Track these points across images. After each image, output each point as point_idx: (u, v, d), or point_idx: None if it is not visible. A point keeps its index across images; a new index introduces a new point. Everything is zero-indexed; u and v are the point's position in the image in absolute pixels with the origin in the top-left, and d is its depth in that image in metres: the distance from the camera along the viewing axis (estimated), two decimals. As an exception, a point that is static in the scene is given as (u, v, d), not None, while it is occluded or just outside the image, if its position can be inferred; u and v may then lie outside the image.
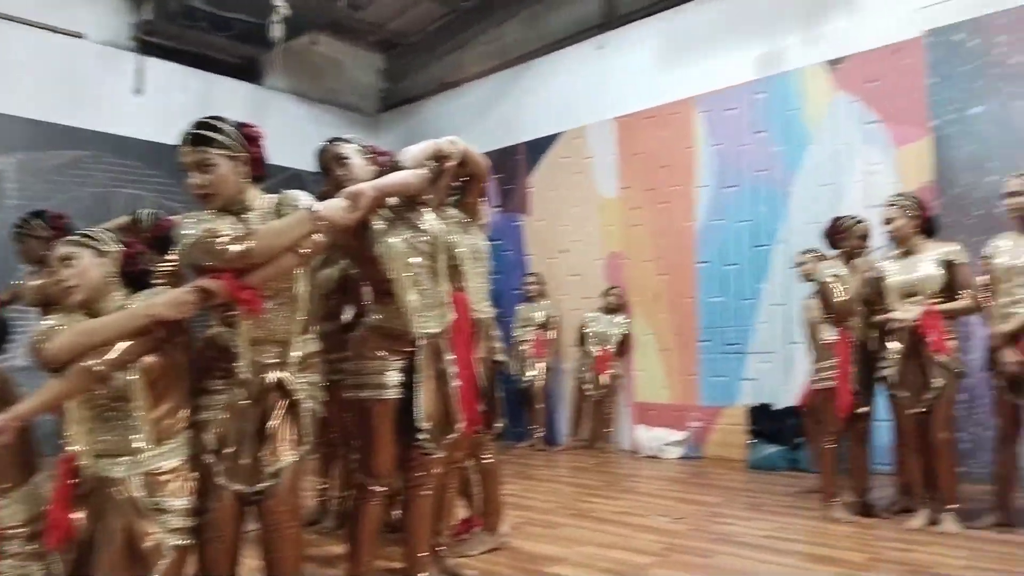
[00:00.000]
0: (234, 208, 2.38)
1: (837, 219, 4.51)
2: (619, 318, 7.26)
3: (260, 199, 2.43)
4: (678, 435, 6.66)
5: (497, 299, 3.80)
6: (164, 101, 8.14)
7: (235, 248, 2.12)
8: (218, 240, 2.15)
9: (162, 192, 8.20)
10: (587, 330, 7.32)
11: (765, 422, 6.03)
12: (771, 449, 5.92)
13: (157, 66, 8.16)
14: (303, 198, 2.41)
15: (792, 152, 6.44)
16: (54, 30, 7.58)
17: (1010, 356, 3.75)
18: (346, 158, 3.08)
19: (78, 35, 7.75)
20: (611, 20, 7.91)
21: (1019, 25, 5.31)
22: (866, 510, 4.22)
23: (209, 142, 2.31)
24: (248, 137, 2.40)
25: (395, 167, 2.74)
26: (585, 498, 4.83)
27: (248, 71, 9.17)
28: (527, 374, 7.40)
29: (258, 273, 2.20)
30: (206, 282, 2.14)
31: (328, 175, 3.16)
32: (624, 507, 4.55)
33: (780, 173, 6.48)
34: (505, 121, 8.60)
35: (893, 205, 4.14)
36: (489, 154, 9.13)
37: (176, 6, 7.91)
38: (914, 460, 4.02)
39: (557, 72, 8.19)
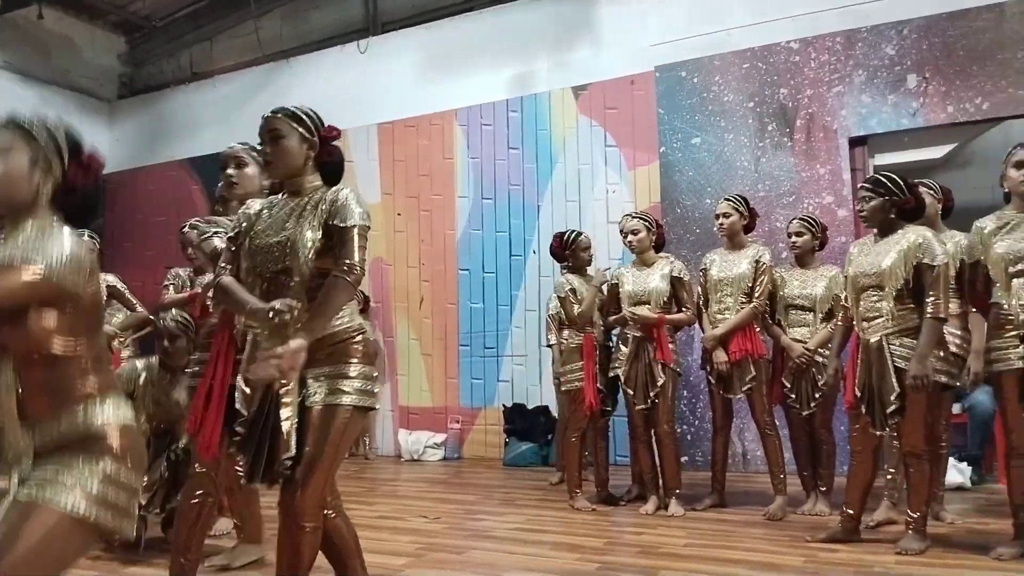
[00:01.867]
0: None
1: (560, 235, 4.92)
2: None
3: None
4: (438, 437, 6.85)
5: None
6: None
7: None
8: None
9: None
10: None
11: (519, 421, 6.41)
12: (524, 446, 6.30)
13: None
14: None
15: (542, 169, 6.90)
16: None
17: (720, 356, 4.35)
18: (245, 164, 2.88)
19: None
20: (374, 25, 7.96)
21: (731, 68, 6.16)
22: (607, 499, 4.67)
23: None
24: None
25: None
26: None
27: (-45, 41, 7.99)
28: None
29: None
30: None
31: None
32: (382, 511, 4.61)
33: (532, 188, 6.92)
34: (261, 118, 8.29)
35: (638, 219, 4.61)
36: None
37: None
38: (644, 451, 4.52)
39: (318, 72, 8.06)
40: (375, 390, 2.34)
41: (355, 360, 2.28)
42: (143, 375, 3.78)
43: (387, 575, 3.28)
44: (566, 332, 4.77)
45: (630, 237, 4.59)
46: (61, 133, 1.70)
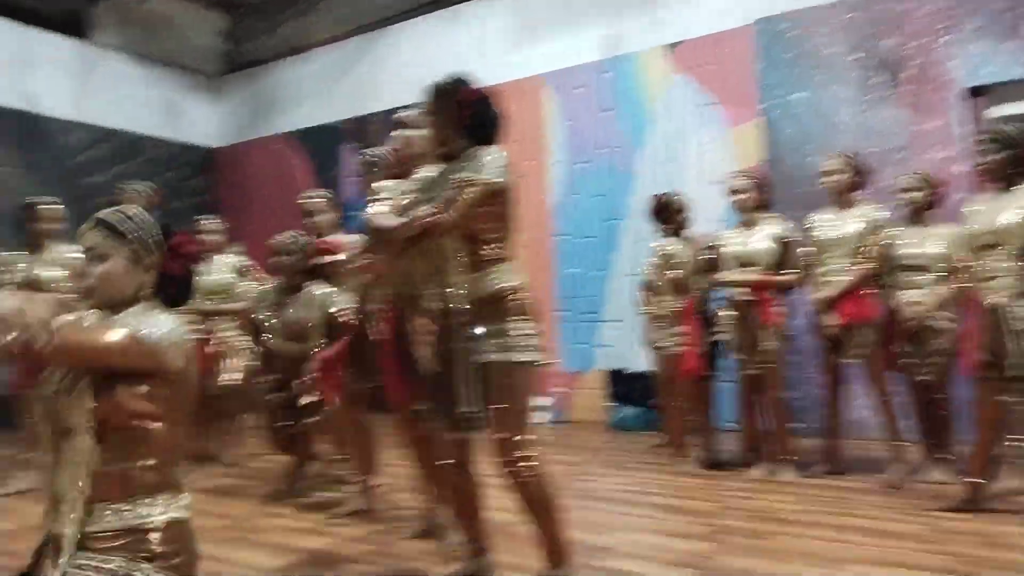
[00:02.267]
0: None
1: (656, 197, 4.86)
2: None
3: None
4: (544, 400, 6.96)
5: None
6: (-25, 56, 7.36)
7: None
8: None
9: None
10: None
11: (621, 385, 6.44)
12: (628, 410, 6.34)
13: (-36, 17, 7.35)
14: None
15: (636, 131, 6.82)
16: None
17: (830, 320, 4.25)
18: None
19: None
20: (465, -9, 7.95)
21: (833, 20, 5.90)
22: (714, 464, 4.65)
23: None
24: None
25: None
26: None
27: (73, 26, 8.42)
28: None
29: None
30: None
31: None
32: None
33: (626, 151, 6.85)
34: (359, 89, 8.46)
35: (745, 177, 4.51)
36: (345, 122, 8.99)
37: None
38: (753, 416, 4.48)
39: (412, 41, 8.15)
40: (536, 344, 2.43)
41: (513, 316, 2.39)
42: (263, 301, 4.15)
43: (496, 529, 3.41)
44: (666, 297, 4.75)
45: (736, 196, 4.50)
46: (152, 227, 1.77)
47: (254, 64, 9.50)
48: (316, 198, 4.22)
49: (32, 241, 4.60)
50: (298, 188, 5.45)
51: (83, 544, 1.62)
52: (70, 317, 1.67)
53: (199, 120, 9.46)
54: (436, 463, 2.77)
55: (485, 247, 2.44)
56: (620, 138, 6.88)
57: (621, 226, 6.81)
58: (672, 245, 4.69)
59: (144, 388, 1.64)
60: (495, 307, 2.40)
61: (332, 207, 4.20)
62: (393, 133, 3.13)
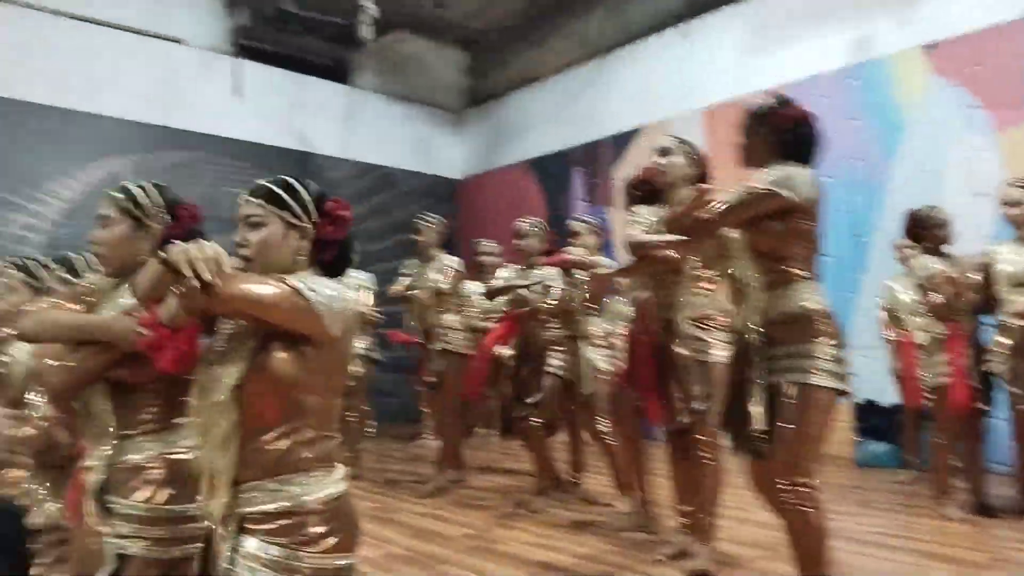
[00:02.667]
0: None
1: (913, 212, 4.40)
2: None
3: None
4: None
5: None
6: (261, 103, 8.48)
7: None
8: None
9: (262, 192, 8.54)
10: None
11: (871, 419, 5.93)
12: (879, 446, 5.83)
13: (253, 69, 8.51)
14: None
15: (887, 140, 6.30)
16: (156, 36, 7.97)
17: None
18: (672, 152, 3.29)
19: (178, 40, 8.13)
20: (694, 8, 7.85)
21: None
22: (983, 509, 4.13)
23: None
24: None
25: None
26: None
27: (339, 72, 9.46)
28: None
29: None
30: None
31: None
32: (729, 502, 4.56)
33: (876, 162, 6.35)
34: (589, 114, 8.63)
35: (1019, 188, 4.01)
36: (574, 148, 9.22)
37: (270, 10, 8.22)
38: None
39: (640, 63, 8.18)
40: (840, 371, 2.32)
41: (820, 339, 2.31)
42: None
43: (743, 564, 3.27)
44: (925, 321, 4.32)
45: (1009, 209, 4.01)
46: (306, 193, 1.71)
47: (491, 97, 10.04)
48: (577, 221, 4.66)
49: (421, 252, 5.33)
50: (531, 214, 5.65)
51: (242, 526, 1.56)
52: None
53: (445, 153, 10.16)
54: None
55: (788, 266, 2.40)
56: (868, 149, 6.39)
57: (870, 244, 6.31)
58: (932, 264, 4.26)
59: (295, 354, 1.55)
60: (798, 327, 2.34)
61: (593, 231, 4.47)
62: (655, 159, 3.25)
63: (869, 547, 3.56)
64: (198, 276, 1.44)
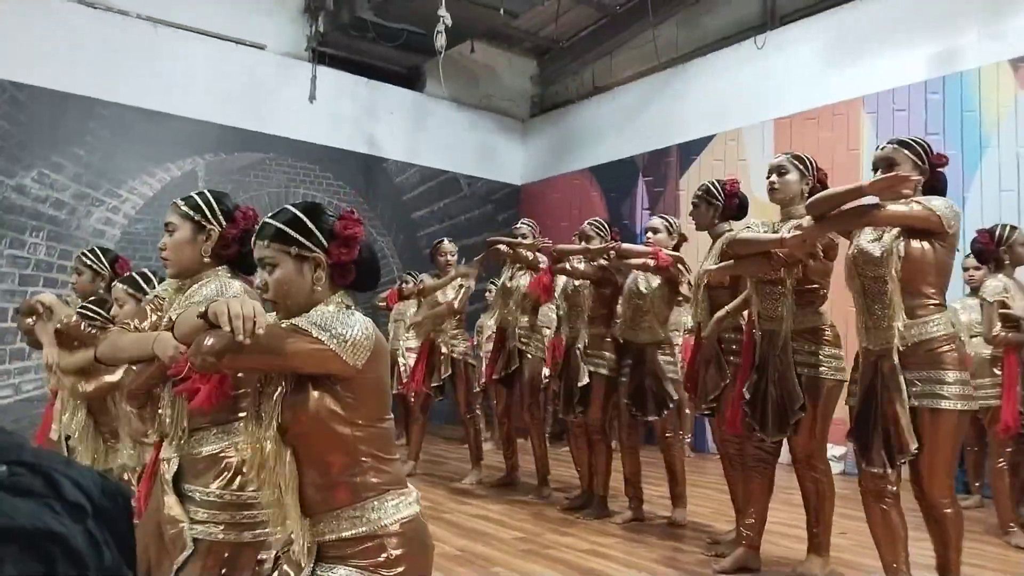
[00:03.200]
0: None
1: (989, 230, 4.21)
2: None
3: None
4: (838, 450, 6.42)
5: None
6: (334, 108, 8.68)
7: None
8: None
9: (332, 193, 8.76)
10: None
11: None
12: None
13: (329, 75, 8.71)
14: None
15: (969, 156, 6.07)
16: (239, 42, 8.25)
17: None
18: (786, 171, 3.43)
19: (260, 47, 8.40)
20: (772, 20, 7.74)
21: None
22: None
23: None
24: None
25: None
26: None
27: (411, 79, 9.63)
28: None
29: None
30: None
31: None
32: (782, 518, 4.46)
33: (955, 177, 6.08)
34: (656, 124, 8.58)
35: None
36: (639, 156, 9.16)
37: (348, 18, 8.40)
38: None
39: (712, 74, 8.09)
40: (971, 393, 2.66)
41: (950, 366, 2.62)
42: None
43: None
44: (978, 340, 4.19)
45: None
46: (311, 221, 1.67)
47: (559, 105, 10.07)
48: (594, 224, 4.73)
49: (439, 268, 5.74)
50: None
51: (320, 553, 1.60)
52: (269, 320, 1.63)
53: (509, 159, 10.23)
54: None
55: (923, 294, 2.65)
56: (948, 164, 6.15)
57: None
58: (1009, 284, 4.08)
59: (326, 391, 1.58)
60: (930, 354, 2.61)
61: (669, 230, 4.54)
62: (771, 178, 3.35)
63: (927, 571, 3.42)
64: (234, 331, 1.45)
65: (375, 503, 1.60)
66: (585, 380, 4.37)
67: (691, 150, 8.14)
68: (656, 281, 4.33)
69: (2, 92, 6.94)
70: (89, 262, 3.36)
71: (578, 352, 4.47)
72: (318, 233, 1.65)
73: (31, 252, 7.03)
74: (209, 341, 1.50)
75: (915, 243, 2.63)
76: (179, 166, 7.91)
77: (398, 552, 1.59)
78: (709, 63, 8.15)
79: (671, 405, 4.23)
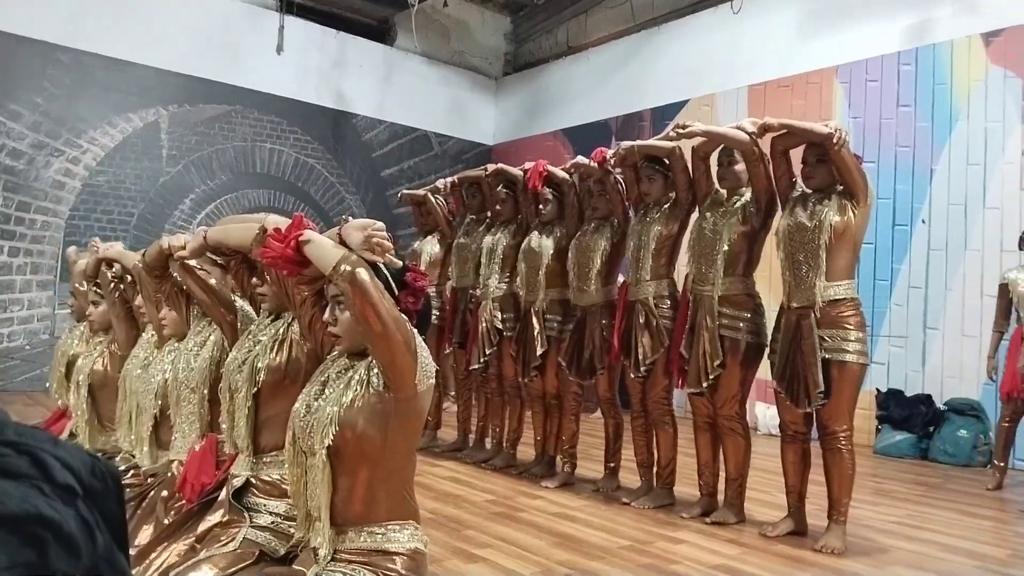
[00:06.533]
0: None
1: None
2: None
3: None
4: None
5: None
6: (302, 60, 8.46)
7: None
8: None
9: (299, 148, 8.58)
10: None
11: (894, 408, 5.86)
12: (899, 436, 5.77)
13: (297, 25, 8.47)
14: None
15: (939, 128, 6.14)
16: (204, -11, 7.95)
17: None
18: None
19: (226, -6, 8.11)
20: (748, -16, 7.67)
21: None
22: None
23: None
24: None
25: None
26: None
27: (381, 32, 9.41)
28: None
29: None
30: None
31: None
32: (752, 484, 4.56)
33: (925, 150, 6.20)
34: (630, 86, 8.52)
35: None
36: (613, 119, 9.09)
37: (318, -33, 8.15)
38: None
39: (688, 37, 8.04)
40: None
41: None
42: None
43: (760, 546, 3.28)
44: None
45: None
46: (385, 269, 1.82)
47: (532, 65, 9.94)
48: None
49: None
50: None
51: (334, 555, 1.77)
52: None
53: (481, 118, 10.10)
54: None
55: None
56: (918, 136, 6.24)
57: (911, 232, 6.19)
58: None
59: (380, 418, 1.74)
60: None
61: None
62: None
63: (883, 535, 3.54)
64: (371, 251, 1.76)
65: (396, 527, 1.79)
66: None
67: (665, 114, 8.10)
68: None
69: (-46, 35, 6.64)
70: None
71: None
72: (391, 281, 1.81)
73: (-14, 203, 6.81)
74: (361, 270, 1.72)
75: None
76: (141, 116, 7.68)
77: (403, 572, 1.76)
78: (685, 26, 8.09)
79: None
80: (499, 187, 4.77)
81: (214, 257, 2.53)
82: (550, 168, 4.41)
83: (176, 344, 2.70)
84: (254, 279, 2.28)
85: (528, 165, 4.52)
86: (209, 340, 2.54)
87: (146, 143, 7.69)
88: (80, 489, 0.79)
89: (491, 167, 4.89)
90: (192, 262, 2.49)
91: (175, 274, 2.60)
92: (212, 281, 2.52)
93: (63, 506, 0.76)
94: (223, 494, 2.13)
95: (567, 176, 4.38)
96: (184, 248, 2.43)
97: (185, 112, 7.89)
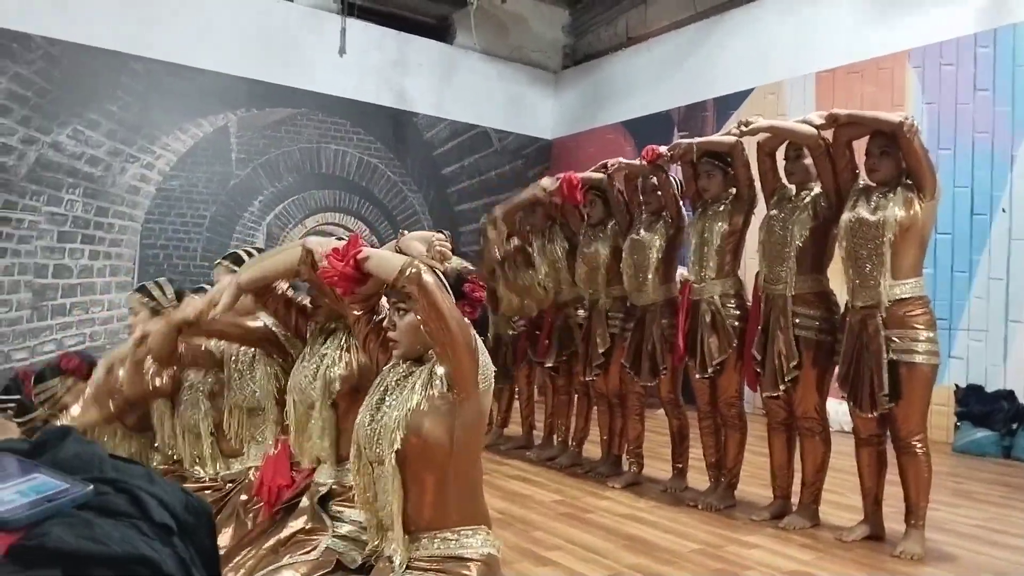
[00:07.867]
0: None
1: None
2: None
3: None
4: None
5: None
6: (364, 61, 8.56)
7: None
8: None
9: (363, 149, 8.71)
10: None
11: (975, 404, 5.64)
12: (980, 434, 5.55)
13: (358, 27, 8.56)
14: None
15: (1020, 113, 5.86)
16: (266, -7, 8.12)
17: None
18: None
19: (288, -1, 8.27)
20: (815, -32, 7.45)
21: None
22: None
23: None
24: None
25: None
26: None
27: (440, 30, 9.46)
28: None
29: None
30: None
31: None
32: (825, 484, 4.45)
33: (1004, 136, 5.93)
34: (692, 76, 8.37)
35: None
36: (675, 110, 8.97)
37: (377, -32, 8.23)
38: None
39: (752, 24, 7.85)
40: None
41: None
42: None
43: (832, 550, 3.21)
44: None
45: None
46: (444, 279, 1.86)
47: (592, 57, 9.85)
48: None
49: None
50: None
51: (409, 564, 1.80)
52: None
53: (541, 113, 10.07)
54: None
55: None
56: (997, 121, 5.97)
57: (991, 222, 5.94)
58: None
59: (445, 422, 1.77)
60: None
61: None
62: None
63: (966, 539, 3.42)
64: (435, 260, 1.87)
65: (469, 532, 1.81)
66: None
67: (728, 104, 7.94)
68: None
69: (36, 48, 6.93)
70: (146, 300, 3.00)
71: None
72: (447, 287, 1.85)
73: (68, 209, 7.11)
74: (427, 274, 1.78)
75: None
76: (211, 121, 7.90)
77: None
78: (748, 12, 7.90)
79: None
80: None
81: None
82: (581, 176, 4.38)
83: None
84: (301, 300, 2.38)
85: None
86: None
87: (216, 147, 7.91)
88: (175, 526, 0.83)
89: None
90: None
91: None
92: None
93: (161, 545, 0.79)
94: (306, 500, 2.19)
95: (602, 176, 4.35)
96: (216, 306, 2.34)
97: (252, 116, 8.08)
